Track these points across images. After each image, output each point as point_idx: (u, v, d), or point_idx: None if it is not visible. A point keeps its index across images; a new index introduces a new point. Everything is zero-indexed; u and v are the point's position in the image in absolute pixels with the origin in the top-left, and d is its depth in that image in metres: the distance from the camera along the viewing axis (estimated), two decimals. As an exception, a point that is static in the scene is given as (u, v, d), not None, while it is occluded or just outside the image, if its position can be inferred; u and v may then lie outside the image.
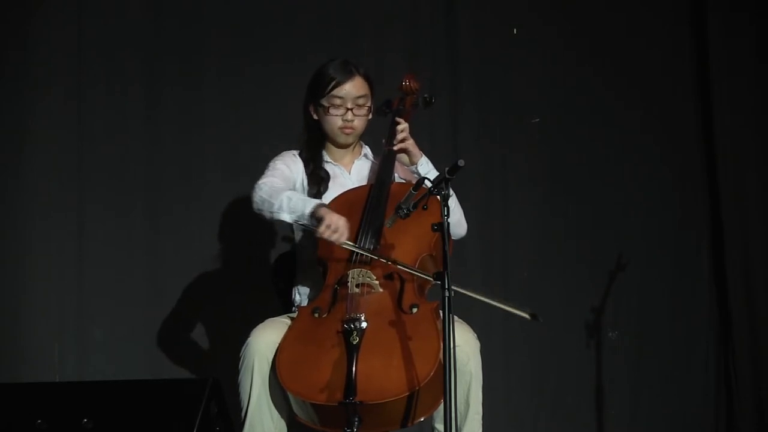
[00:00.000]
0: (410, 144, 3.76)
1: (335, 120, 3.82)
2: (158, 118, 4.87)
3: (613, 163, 5.35)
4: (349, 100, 3.80)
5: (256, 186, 3.68)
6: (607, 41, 5.36)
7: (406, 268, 3.48)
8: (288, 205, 3.58)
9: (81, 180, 4.77)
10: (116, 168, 4.81)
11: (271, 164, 3.83)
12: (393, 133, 3.78)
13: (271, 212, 3.61)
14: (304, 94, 3.90)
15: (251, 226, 4.65)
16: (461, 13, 5.23)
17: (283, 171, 3.80)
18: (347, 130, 3.83)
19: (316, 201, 3.61)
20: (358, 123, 3.84)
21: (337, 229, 3.47)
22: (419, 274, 3.48)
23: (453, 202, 3.63)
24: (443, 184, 3.26)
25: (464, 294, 3.33)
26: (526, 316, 3.44)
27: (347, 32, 5.08)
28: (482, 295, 3.43)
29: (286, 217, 3.59)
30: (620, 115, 5.36)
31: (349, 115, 3.81)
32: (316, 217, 3.51)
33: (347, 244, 3.51)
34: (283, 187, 3.68)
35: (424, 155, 3.79)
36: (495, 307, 3.45)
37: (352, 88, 3.80)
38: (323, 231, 3.47)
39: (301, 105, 3.91)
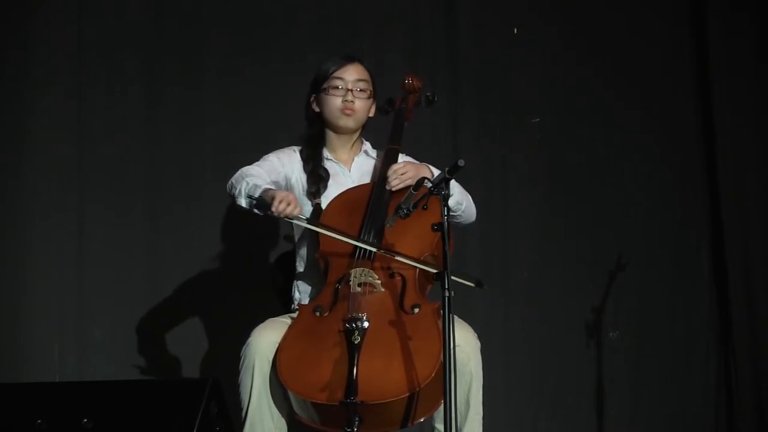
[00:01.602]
0: (410, 177, 3.64)
1: (335, 100, 3.81)
2: (158, 118, 4.87)
3: (613, 163, 5.35)
4: (350, 82, 3.81)
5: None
6: (607, 41, 5.36)
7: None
8: (245, 190, 3.58)
9: (81, 180, 4.77)
10: (116, 168, 4.81)
11: (265, 155, 3.84)
12: (391, 162, 3.73)
13: (234, 196, 3.63)
14: (304, 94, 3.90)
15: (251, 226, 4.65)
16: (461, 13, 5.23)
17: (271, 162, 3.81)
18: (348, 111, 3.81)
19: (267, 186, 3.59)
20: (359, 105, 3.82)
21: (289, 202, 3.47)
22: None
23: (456, 188, 3.62)
24: (443, 184, 3.26)
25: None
26: (471, 284, 3.42)
27: (347, 32, 5.08)
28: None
29: (243, 203, 3.59)
30: (620, 115, 5.35)
31: (350, 96, 3.80)
32: (266, 200, 3.50)
33: (300, 218, 3.51)
34: (253, 175, 3.66)
35: (427, 167, 3.73)
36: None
37: (353, 70, 3.82)
38: (276, 206, 3.46)
39: (302, 105, 3.91)
